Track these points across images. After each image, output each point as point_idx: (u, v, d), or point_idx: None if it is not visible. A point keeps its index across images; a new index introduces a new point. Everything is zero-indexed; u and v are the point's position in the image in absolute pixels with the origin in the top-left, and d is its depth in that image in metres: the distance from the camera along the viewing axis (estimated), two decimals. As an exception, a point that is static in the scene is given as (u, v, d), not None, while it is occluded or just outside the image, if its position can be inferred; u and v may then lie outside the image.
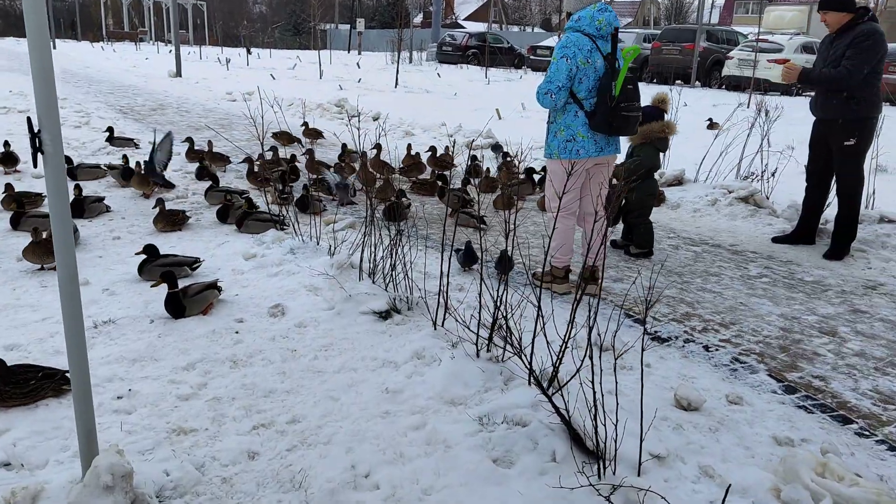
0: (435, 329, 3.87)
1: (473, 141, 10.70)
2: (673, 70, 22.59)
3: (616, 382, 2.77)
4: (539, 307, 3.21)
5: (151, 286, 4.09)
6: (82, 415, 2.41)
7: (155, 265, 4.58)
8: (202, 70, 24.73)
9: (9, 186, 6.06)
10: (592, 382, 2.69)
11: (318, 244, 5.24)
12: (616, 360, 2.79)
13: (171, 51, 32.28)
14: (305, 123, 10.58)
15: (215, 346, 3.71)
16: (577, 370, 3.09)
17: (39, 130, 2.20)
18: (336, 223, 5.99)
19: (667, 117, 5.77)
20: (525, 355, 3.26)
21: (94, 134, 10.07)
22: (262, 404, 3.17)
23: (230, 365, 3.51)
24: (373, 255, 4.55)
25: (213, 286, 4.19)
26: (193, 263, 4.76)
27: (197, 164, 7.83)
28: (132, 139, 9.42)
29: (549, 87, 4.41)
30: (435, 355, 3.61)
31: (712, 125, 11.79)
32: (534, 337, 3.26)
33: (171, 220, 5.80)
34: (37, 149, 2.21)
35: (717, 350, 4.08)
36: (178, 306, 3.99)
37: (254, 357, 3.61)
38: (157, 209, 5.80)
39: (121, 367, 3.41)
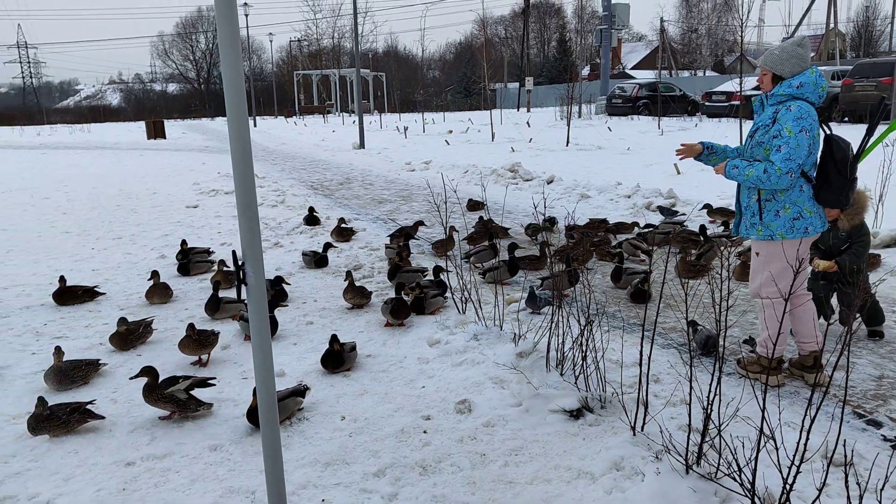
0: (634, 434, 3.54)
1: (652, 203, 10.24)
2: (868, 108, 20.46)
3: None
4: (764, 414, 2.80)
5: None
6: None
7: (348, 353, 4.68)
8: (383, 139, 26.14)
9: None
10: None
11: (501, 329, 5.10)
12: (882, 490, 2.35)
13: (354, 121, 34.56)
14: (470, 199, 10.65)
15: (404, 447, 3.64)
16: (815, 500, 2.65)
17: (243, 263, 2.24)
18: (519, 302, 5.85)
19: None
20: (746, 477, 2.86)
21: (288, 212, 10.82)
22: (454, 521, 3.01)
23: (419, 471, 3.41)
24: (561, 344, 4.32)
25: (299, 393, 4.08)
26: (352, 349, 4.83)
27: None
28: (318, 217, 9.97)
29: (789, 165, 3.93)
30: (636, 467, 3.28)
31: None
32: (757, 453, 2.85)
33: (361, 293, 6.05)
34: (241, 280, 2.25)
35: (983, 465, 3.37)
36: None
37: (442, 462, 3.48)
38: (347, 282, 6.06)
39: (314, 471, 3.42)
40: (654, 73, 52.00)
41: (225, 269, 6.84)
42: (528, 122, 29.99)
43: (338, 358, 4.62)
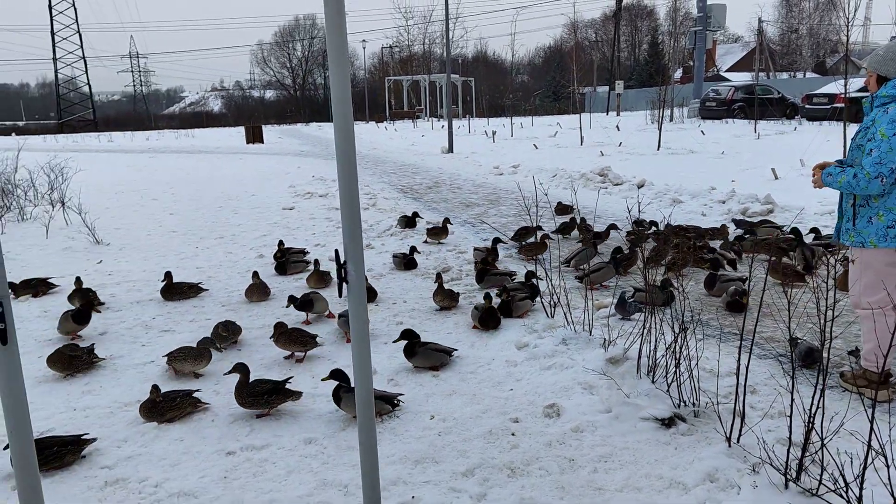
0: (729, 446, 3.44)
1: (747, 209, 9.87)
2: None
3: None
4: (872, 427, 2.68)
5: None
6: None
7: (429, 349, 4.78)
8: (471, 144, 26.29)
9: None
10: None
11: (590, 334, 5.05)
12: None
13: (443, 126, 34.96)
14: (559, 203, 10.54)
15: (492, 448, 3.67)
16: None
17: (345, 262, 2.33)
18: (609, 307, 5.78)
19: None
20: (853, 493, 2.73)
21: (379, 215, 11.07)
22: (543, 524, 3.02)
23: (508, 473, 3.42)
24: (652, 351, 4.24)
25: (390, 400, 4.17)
26: (451, 352, 4.90)
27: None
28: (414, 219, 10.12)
29: (880, 170, 3.76)
30: (731, 480, 3.19)
31: None
32: (864, 469, 2.72)
33: (450, 296, 6.15)
34: (342, 279, 2.34)
35: None
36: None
37: (531, 465, 3.49)
38: (437, 284, 6.19)
39: (404, 468, 3.50)
40: (751, 74, 50.10)
41: (320, 269, 7.06)
42: (617, 126, 29.47)
43: (410, 347, 4.75)
